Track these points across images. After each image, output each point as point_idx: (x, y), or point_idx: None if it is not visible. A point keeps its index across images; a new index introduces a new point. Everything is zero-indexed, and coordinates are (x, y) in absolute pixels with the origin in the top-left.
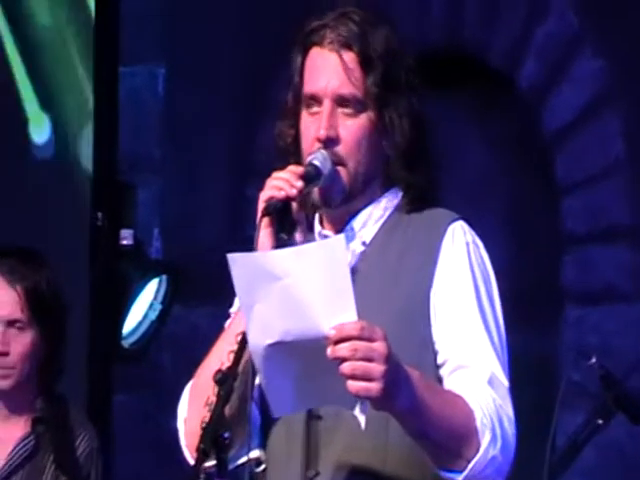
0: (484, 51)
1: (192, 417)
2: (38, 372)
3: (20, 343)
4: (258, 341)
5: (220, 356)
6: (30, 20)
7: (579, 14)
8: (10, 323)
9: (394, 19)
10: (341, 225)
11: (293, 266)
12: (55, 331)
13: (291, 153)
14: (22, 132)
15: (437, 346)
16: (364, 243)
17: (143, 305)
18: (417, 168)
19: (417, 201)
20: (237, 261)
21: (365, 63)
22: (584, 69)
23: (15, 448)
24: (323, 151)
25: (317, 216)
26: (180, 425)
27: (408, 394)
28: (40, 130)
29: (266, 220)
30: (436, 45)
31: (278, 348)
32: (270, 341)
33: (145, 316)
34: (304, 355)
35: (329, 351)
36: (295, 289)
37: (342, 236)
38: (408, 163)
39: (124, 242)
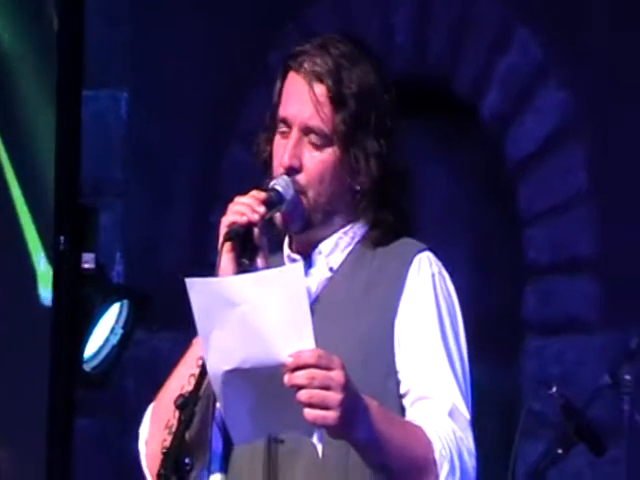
0: (448, 80)
1: (153, 439)
2: None
3: None
4: (216, 367)
5: (181, 380)
6: None
7: (543, 45)
8: None
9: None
10: (310, 248)
11: (251, 292)
12: None
13: (266, 167)
14: None
15: (400, 376)
16: (331, 269)
17: (105, 329)
18: (383, 208)
19: (383, 237)
20: (195, 286)
21: (335, 99)
22: (547, 100)
23: None
24: (286, 177)
25: (287, 239)
26: (141, 447)
27: (366, 424)
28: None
29: (228, 245)
30: (400, 74)
31: (236, 374)
32: (228, 367)
33: (107, 340)
34: (262, 382)
35: (286, 378)
36: (253, 316)
37: (300, 264)
38: (374, 203)
39: (86, 266)
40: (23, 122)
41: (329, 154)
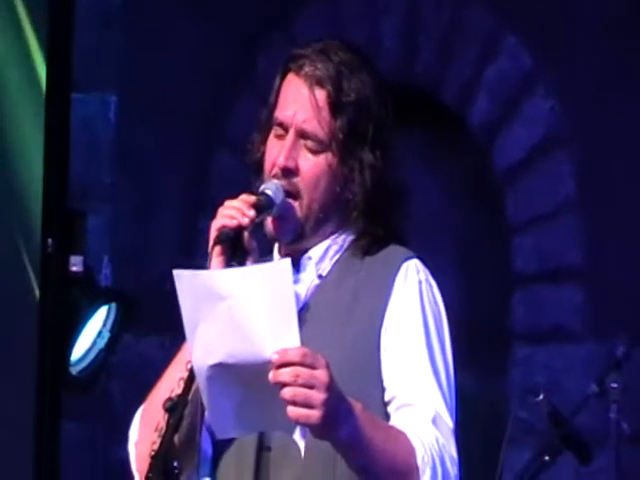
0: (436, 88)
1: (142, 441)
2: None
3: None
4: (201, 361)
5: (171, 383)
6: None
7: (531, 54)
8: None
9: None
10: (299, 254)
11: (238, 287)
12: None
13: (256, 167)
14: None
15: (385, 383)
16: (320, 276)
17: (92, 333)
18: (374, 219)
19: (371, 246)
20: (183, 278)
21: (335, 106)
22: (535, 108)
23: None
24: (276, 181)
25: (276, 245)
26: (131, 449)
27: (349, 425)
28: None
29: (218, 249)
30: (388, 82)
31: (221, 369)
32: (213, 362)
33: (94, 344)
34: (246, 378)
35: (271, 375)
36: (239, 310)
37: (288, 260)
38: (365, 214)
39: (74, 269)
40: (10, 125)
41: (324, 160)
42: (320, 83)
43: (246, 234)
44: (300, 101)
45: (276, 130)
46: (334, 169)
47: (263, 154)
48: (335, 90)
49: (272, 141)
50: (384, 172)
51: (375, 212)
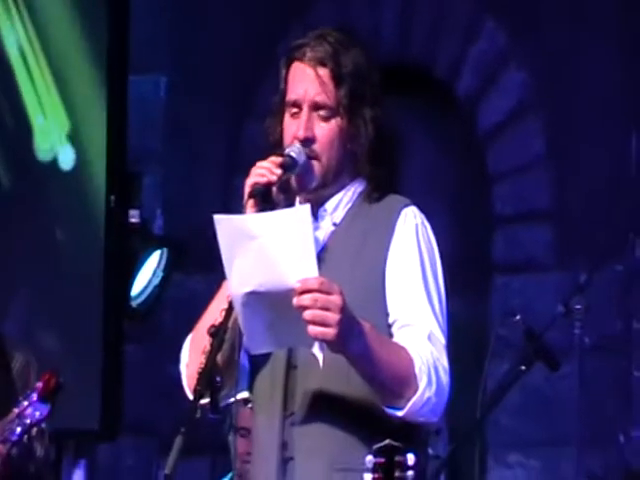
0: (429, 63)
1: (191, 363)
2: None
3: None
4: (237, 290)
5: (214, 314)
6: (49, 34)
7: (506, 34)
8: None
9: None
10: (317, 207)
11: (267, 227)
12: None
13: (277, 146)
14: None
15: (389, 309)
16: (334, 224)
17: (148, 273)
18: (379, 164)
19: (378, 190)
20: (222, 222)
21: (336, 78)
22: (510, 79)
23: None
24: (298, 144)
25: (297, 201)
26: (182, 369)
27: (359, 341)
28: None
29: (251, 202)
30: (387, 60)
31: (253, 296)
32: (247, 290)
33: (149, 282)
34: (274, 303)
35: (294, 300)
36: (268, 247)
37: (307, 206)
38: (371, 160)
39: (132, 220)
40: (78, 105)
41: (335, 124)
42: (322, 63)
43: (274, 189)
44: (308, 80)
45: (290, 110)
46: (343, 130)
47: (280, 133)
48: (335, 66)
49: (288, 120)
50: (382, 123)
51: (378, 157)
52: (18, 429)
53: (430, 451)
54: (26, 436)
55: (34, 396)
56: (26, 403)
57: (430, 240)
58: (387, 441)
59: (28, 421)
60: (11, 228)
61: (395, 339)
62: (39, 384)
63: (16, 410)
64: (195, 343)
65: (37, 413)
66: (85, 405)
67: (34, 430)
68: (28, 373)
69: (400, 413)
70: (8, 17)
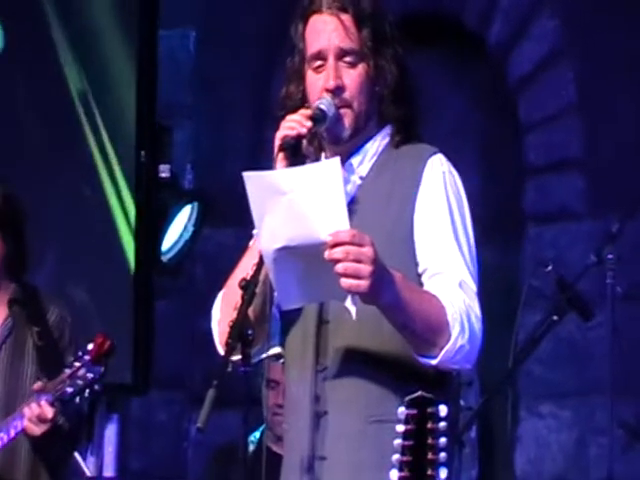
0: (459, 14)
1: (223, 319)
2: (5, 268)
3: None
4: (268, 246)
5: (245, 268)
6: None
7: None
8: None
9: None
10: (343, 161)
11: (297, 182)
12: (14, 234)
13: (301, 107)
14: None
15: (418, 258)
16: (361, 177)
17: (178, 227)
18: (403, 104)
19: (404, 132)
20: (251, 178)
21: (359, 22)
22: (542, 28)
23: None
24: (328, 97)
25: (323, 155)
26: (214, 326)
27: (391, 291)
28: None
29: (282, 154)
30: (417, 9)
31: (284, 252)
32: (277, 245)
33: (180, 236)
34: (305, 258)
35: (326, 254)
36: (298, 202)
37: (337, 159)
38: (396, 100)
39: (162, 175)
40: (109, 60)
41: (362, 69)
42: (343, 9)
43: (305, 142)
44: (330, 28)
45: (314, 65)
46: (370, 74)
47: (303, 93)
48: (356, 10)
49: (312, 77)
50: (404, 61)
51: (402, 96)
52: (69, 389)
53: (462, 402)
54: (78, 397)
55: (86, 358)
56: (78, 364)
57: (458, 188)
58: (419, 393)
59: (81, 382)
60: (41, 181)
61: (426, 288)
62: (91, 346)
63: (68, 371)
64: (227, 299)
65: (90, 375)
66: (117, 360)
67: (86, 391)
68: (64, 327)
69: (434, 362)
70: None
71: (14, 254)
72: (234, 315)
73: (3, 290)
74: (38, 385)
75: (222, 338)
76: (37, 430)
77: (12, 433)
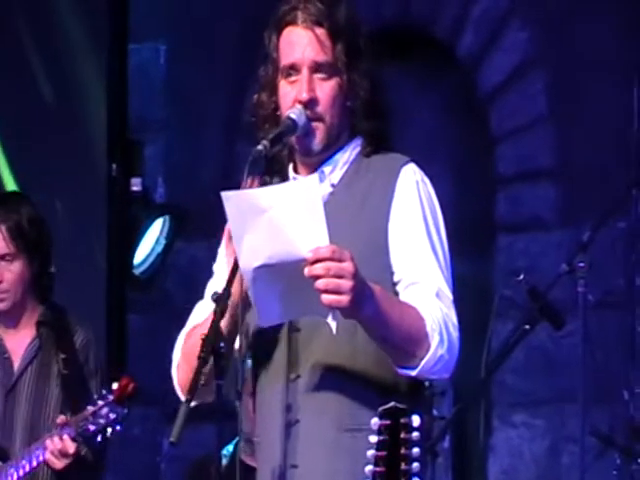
0: (430, 24)
1: (182, 369)
2: (32, 290)
3: (10, 272)
4: (248, 265)
5: (206, 325)
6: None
7: None
8: (0, 257)
9: None
10: (313, 170)
11: (276, 200)
12: (40, 256)
13: (271, 119)
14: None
15: (394, 267)
16: (333, 185)
17: (150, 240)
18: (374, 118)
19: (374, 144)
20: (229, 198)
21: (333, 36)
22: (513, 38)
23: (26, 350)
24: (299, 106)
25: (291, 164)
26: (173, 371)
27: (371, 305)
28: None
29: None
30: (388, 21)
31: (264, 270)
32: (258, 263)
33: (152, 249)
34: (286, 275)
35: (306, 270)
36: (278, 219)
37: (316, 175)
38: (367, 114)
39: (134, 189)
40: (78, 73)
41: (335, 82)
42: (318, 23)
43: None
44: (305, 42)
45: (287, 76)
46: (343, 87)
47: (275, 104)
48: (330, 24)
49: (285, 87)
50: (376, 75)
51: (373, 110)
52: (92, 427)
53: (435, 412)
54: (100, 436)
55: (110, 397)
56: (101, 403)
57: (431, 196)
58: (392, 403)
59: (103, 421)
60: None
61: (402, 298)
62: (116, 386)
63: (91, 408)
64: (187, 348)
65: (112, 415)
66: None
67: (108, 430)
68: (89, 350)
69: (413, 372)
70: None
71: (40, 276)
72: (195, 365)
73: (30, 312)
74: (62, 419)
75: (182, 384)
76: (58, 464)
77: (34, 463)
